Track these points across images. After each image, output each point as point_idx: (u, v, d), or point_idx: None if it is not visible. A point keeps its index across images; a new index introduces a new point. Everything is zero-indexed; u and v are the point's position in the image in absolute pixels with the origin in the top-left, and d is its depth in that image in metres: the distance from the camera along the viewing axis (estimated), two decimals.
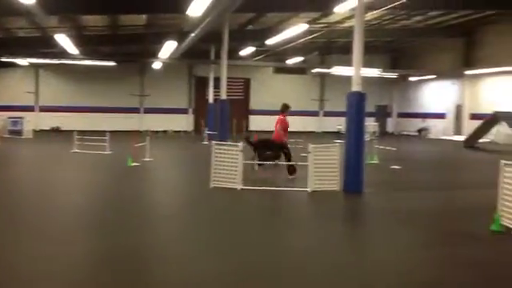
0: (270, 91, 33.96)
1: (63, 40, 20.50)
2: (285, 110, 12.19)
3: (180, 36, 21.69)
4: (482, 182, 11.36)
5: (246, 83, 34.59)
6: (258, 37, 24.61)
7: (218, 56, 24.39)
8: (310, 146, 10.03)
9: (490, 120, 22.73)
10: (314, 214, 8.53)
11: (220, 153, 10.22)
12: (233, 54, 25.92)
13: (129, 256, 5.67)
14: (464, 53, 29.22)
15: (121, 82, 31.99)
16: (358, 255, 6.04)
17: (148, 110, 32.84)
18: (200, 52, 27.83)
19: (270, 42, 22.88)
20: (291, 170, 11.60)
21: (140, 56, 29.58)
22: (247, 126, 33.56)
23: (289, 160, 11.78)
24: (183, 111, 33.80)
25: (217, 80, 24.36)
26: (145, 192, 10.31)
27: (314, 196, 9.58)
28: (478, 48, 28.23)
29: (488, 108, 24.85)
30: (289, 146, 12.22)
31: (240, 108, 32.89)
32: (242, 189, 9.90)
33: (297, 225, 7.51)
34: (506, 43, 25.06)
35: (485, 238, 6.66)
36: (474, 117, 27.76)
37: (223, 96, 21.87)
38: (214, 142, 11.05)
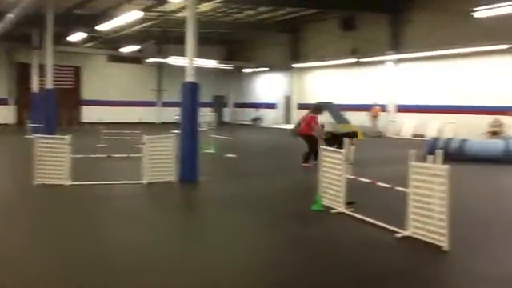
0: (105, 80, 32.30)
1: None
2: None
3: None
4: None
5: (77, 71, 32.31)
6: (88, 22, 23.08)
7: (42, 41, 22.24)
8: (145, 137, 9.79)
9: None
10: (148, 207, 8.33)
11: (45, 147, 9.36)
12: (60, 39, 23.86)
13: None
14: (291, 47, 31.53)
15: None
16: (192, 246, 6.04)
17: None
18: (21, 36, 25.06)
19: (101, 27, 21.64)
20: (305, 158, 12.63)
21: None
22: (79, 118, 31.44)
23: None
24: (3, 102, 30.18)
25: (42, 67, 22.25)
26: None
27: (149, 188, 9.37)
28: (303, 43, 30.74)
29: (313, 99, 27.23)
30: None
31: (71, 98, 30.64)
32: (71, 184, 9.23)
33: (130, 219, 7.24)
34: (324, 39, 27.74)
35: (308, 217, 7.25)
36: (301, 107, 30.18)
37: (49, 85, 20.06)
38: (36, 135, 10.05)
